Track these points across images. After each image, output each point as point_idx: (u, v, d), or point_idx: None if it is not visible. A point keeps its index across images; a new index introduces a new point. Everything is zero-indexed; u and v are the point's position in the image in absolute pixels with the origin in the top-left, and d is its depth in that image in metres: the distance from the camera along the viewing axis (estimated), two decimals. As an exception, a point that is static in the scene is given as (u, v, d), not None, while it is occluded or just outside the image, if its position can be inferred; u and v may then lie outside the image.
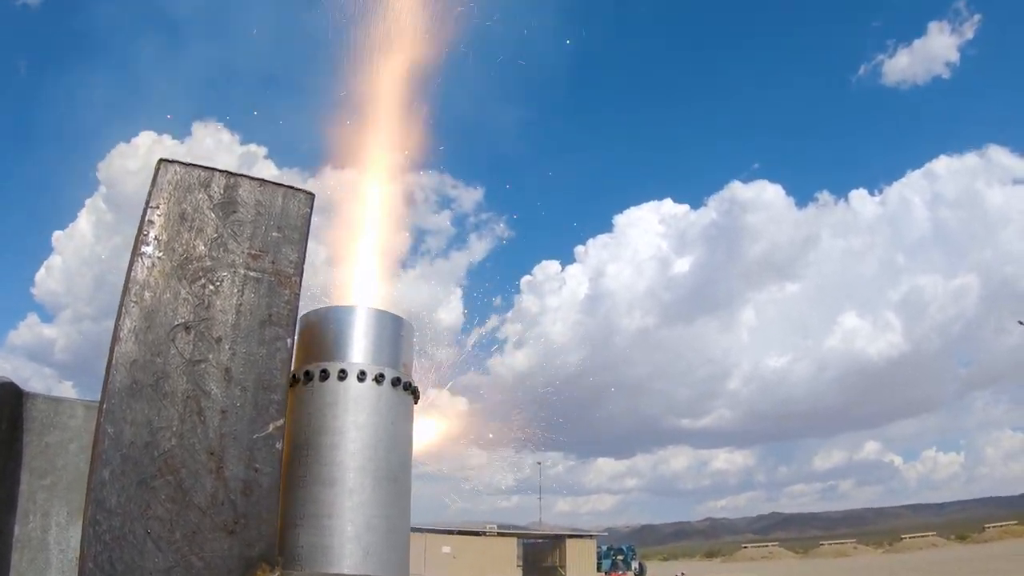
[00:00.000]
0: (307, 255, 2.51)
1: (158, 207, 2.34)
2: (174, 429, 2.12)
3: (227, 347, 2.26)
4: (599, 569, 53.88)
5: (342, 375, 2.56)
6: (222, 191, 2.43)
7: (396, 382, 2.65)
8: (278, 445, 2.25)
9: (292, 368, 2.50)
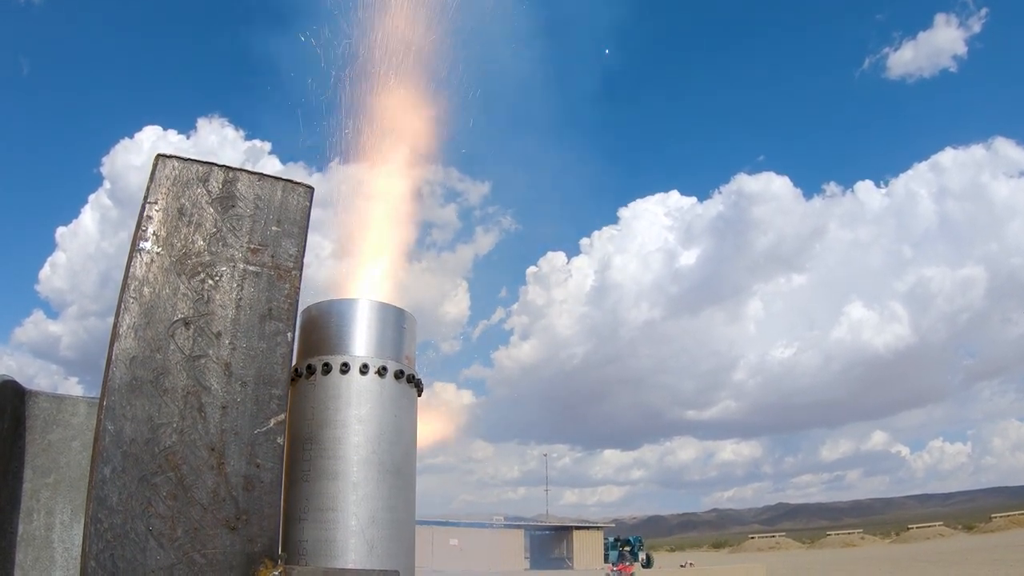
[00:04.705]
0: (310, 249, 2.49)
1: (156, 202, 2.32)
2: (175, 425, 2.11)
3: (227, 342, 2.24)
4: (606, 560, 53.99)
5: (344, 368, 2.54)
6: (220, 186, 2.41)
7: (399, 375, 2.63)
8: (279, 440, 2.23)
9: (294, 362, 2.49)
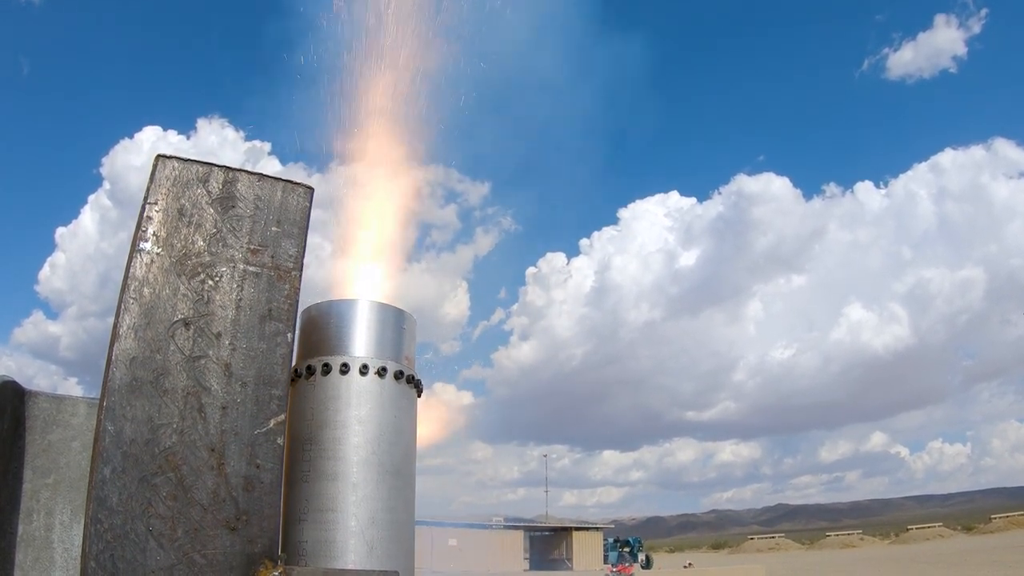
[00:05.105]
0: (310, 250, 2.50)
1: (156, 203, 2.32)
2: (175, 426, 2.11)
3: (227, 343, 2.24)
4: (606, 561, 53.95)
5: (344, 369, 2.55)
6: (220, 186, 2.41)
7: (399, 375, 2.63)
8: (279, 441, 2.24)
9: (294, 363, 2.49)
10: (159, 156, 2.39)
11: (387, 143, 3.83)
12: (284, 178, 2.53)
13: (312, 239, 2.54)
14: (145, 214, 2.30)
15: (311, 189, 2.55)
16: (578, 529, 60.81)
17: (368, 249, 3.51)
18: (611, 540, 58.79)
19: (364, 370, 2.56)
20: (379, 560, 2.40)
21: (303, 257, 2.45)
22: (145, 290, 2.21)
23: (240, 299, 2.31)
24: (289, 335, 2.35)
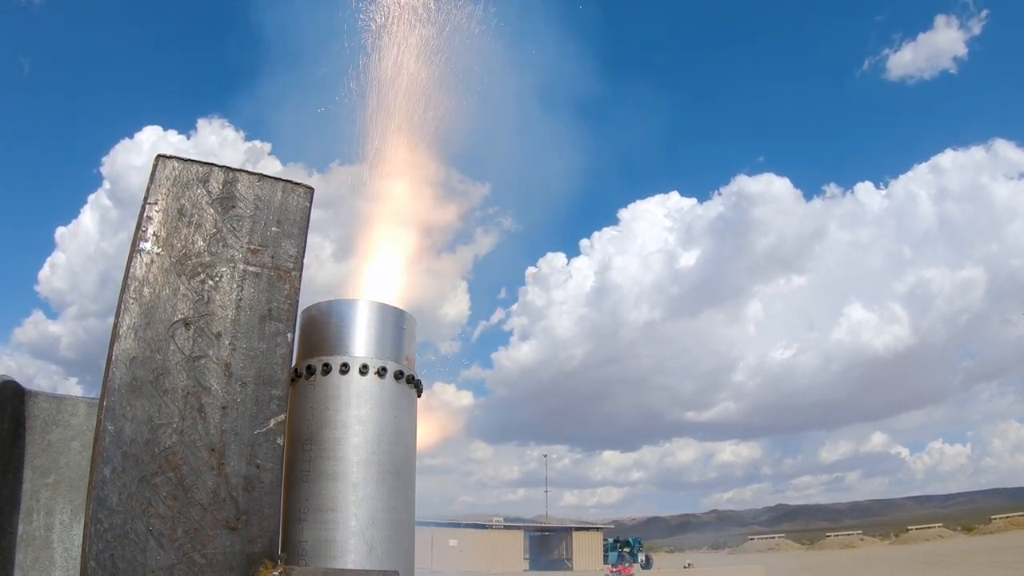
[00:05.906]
0: (310, 250, 2.50)
1: (156, 203, 2.32)
2: (175, 426, 2.11)
3: (227, 343, 2.24)
4: (606, 561, 54.02)
5: (344, 369, 2.55)
6: (221, 186, 2.41)
7: (399, 375, 2.63)
8: (279, 440, 2.24)
9: (293, 363, 2.49)
10: (159, 156, 2.39)
11: (387, 143, 3.83)
12: (284, 178, 2.53)
13: (312, 239, 2.54)
14: (145, 214, 2.30)
15: (311, 189, 2.55)
16: (578, 529, 60.91)
17: (368, 249, 3.51)
18: (611, 540, 58.84)
19: (364, 370, 2.56)
20: (379, 560, 2.40)
21: (303, 257, 2.45)
22: (145, 290, 2.21)
23: (240, 299, 2.31)
24: (289, 335, 2.35)
